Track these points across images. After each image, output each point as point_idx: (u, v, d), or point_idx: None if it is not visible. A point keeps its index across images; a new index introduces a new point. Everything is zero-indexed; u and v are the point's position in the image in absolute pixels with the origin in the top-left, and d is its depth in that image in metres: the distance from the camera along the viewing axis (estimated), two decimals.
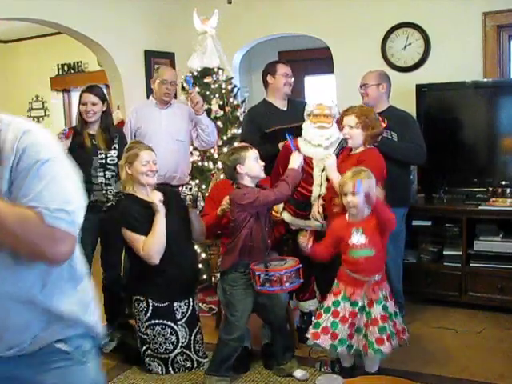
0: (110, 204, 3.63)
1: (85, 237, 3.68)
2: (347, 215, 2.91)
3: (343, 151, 3.31)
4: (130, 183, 3.25)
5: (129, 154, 3.24)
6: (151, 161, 3.23)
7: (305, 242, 2.96)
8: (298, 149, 3.32)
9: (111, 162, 3.63)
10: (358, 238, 2.83)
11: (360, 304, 2.84)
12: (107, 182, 3.61)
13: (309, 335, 2.92)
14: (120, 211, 3.26)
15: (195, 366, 3.26)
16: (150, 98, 4.13)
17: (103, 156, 3.60)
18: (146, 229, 3.14)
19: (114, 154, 3.64)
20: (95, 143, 3.60)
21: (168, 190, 3.42)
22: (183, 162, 4.07)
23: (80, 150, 3.55)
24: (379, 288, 2.85)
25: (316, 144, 3.35)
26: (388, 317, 2.83)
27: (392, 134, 3.62)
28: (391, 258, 3.64)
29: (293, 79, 3.96)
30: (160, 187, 3.35)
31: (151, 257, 3.11)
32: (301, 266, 2.96)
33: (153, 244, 3.11)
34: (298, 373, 3.13)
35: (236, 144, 4.07)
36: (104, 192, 3.60)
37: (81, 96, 3.59)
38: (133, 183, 3.25)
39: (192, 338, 3.25)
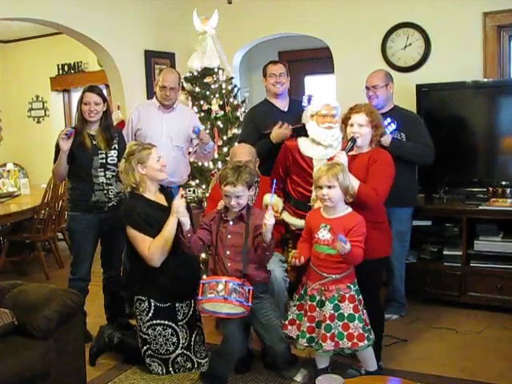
0: (111, 204, 3.63)
1: (86, 236, 3.71)
2: (322, 209, 2.94)
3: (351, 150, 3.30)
4: (144, 183, 3.23)
5: (140, 154, 3.20)
6: (161, 157, 3.26)
7: (294, 260, 2.90)
8: (277, 193, 3.36)
9: (111, 162, 3.63)
10: (323, 234, 2.85)
11: (317, 298, 2.87)
12: (108, 181, 3.62)
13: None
14: (125, 210, 3.24)
15: (195, 366, 3.26)
16: (154, 98, 4.11)
17: (103, 156, 3.60)
18: (150, 230, 3.13)
19: (114, 153, 3.64)
20: (95, 143, 3.60)
21: (170, 191, 3.42)
22: (182, 167, 4.06)
23: (80, 150, 3.55)
24: (335, 287, 2.83)
25: (327, 144, 3.34)
26: (336, 317, 2.81)
27: (401, 134, 3.61)
28: (396, 257, 3.64)
29: (284, 78, 3.90)
30: (163, 188, 3.36)
31: (154, 259, 3.10)
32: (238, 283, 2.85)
33: (159, 247, 3.09)
34: (299, 377, 3.12)
35: (236, 144, 4.08)
36: (105, 192, 3.60)
37: (83, 96, 3.57)
38: (145, 183, 3.23)
39: (192, 339, 3.25)
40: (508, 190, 4.13)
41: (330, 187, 2.81)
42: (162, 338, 3.19)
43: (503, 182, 4.14)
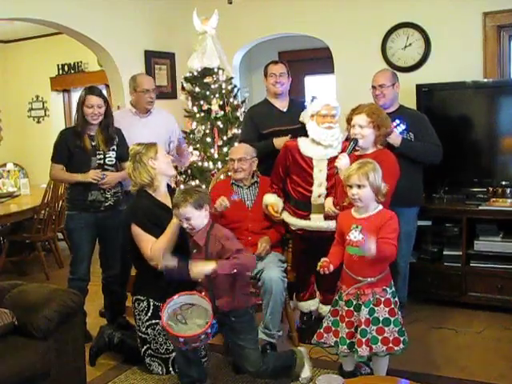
0: (107, 204, 3.64)
1: (83, 236, 3.71)
2: (353, 209, 2.86)
3: (344, 148, 3.31)
4: (157, 179, 3.21)
5: (149, 150, 3.21)
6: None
7: (331, 268, 2.84)
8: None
9: (109, 163, 3.63)
10: (355, 235, 2.77)
11: (354, 303, 2.81)
12: None
13: (315, 336, 2.96)
14: (131, 207, 3.24)
15: None
16: (128, 106, 4.10)
17: (102, 156, 3.61)
18: (155, 229, 3.11)
19: (112, 154, 3.65)
20: (94, 144, 3.60)
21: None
22: None
23: (80, 151, 3.55)
24: (371, 291, 2.77)
25: (327, 144, 3.34)
26: (371, 321, 2.76)
27: (410, 134, 3.60)
28: (402, 257, 3.63)
29: (284, 78, 3.89)
30: (169, 189, 3.35)
31: (156, 259, 3.07)
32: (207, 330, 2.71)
33: (161, 248, 3.06)
34: (304, 373, 3.08)
35: (236, 144, 4.07)
36: (102, 192, 3.61)
37: (85, 98, 3.54)
38: (157, 179, 3.22)
39: None
40: (508, 190, 4.13)
41: (359, 186, 2.73)
42: (161, 337, 3.18)
43: (503, 182, 4.14)
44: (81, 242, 3.64)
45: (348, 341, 2.82)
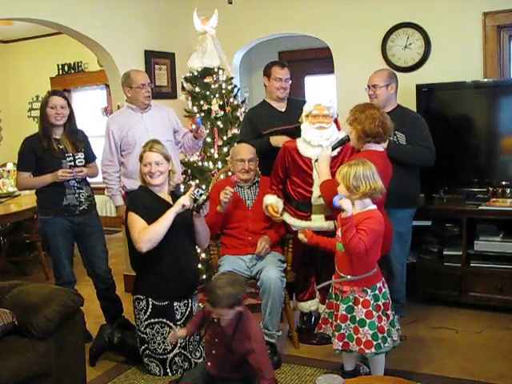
0: (82, 208, 3.63)
1: (60, 240, 3.64)
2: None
3: (345, 148, 3.31)
4: (144, 180, 3.25)
5: (140, 153, 3.26)
6: (153, 162, 3.18)
7: (304, 238, 3.06)
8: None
9: (80, 164, 3.63)
10: (339, 231, 2.84)
11: (339, 298, 2.85)
12: (78, 185, 3.62)
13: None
14: (131, 197, 3.34)
15: (193, 366, 3.25)
16: (125, 105, 4.00)
17: (71, 159, 3.60)
18: (149, 218, 3.10)
19: (81, 155, 3.65)
20: (61, 147, 3.59)
21: (176, 191, 3.44)
22: (175, 161, 4.03)
23: (48, 155, 3.54)
24: (350, 289, 2.78)
25: (316, 144, 3.34)
26: (349, 318, 2.78)
27: (397, 134, 3.58)
28: (397, 257, 3.63)
29: (288, 83, 3.90)
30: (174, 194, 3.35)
31: (141, 242, 3.04)
32: None
33: (150, 232, 3.05)
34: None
35: (236, 144, 4.07)
36: (77, 196, 3.61)
37: (48, 100, 3.52)
38: (144, 180, 3.26)
39: (188, 338, 3.24)
40: (508, 190, 4.12)
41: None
42: (159, 336, 3.19)
43: (503, 182, 4.14)
44: (59, 246, 3.61)
45: (335, 333, 2.87)
